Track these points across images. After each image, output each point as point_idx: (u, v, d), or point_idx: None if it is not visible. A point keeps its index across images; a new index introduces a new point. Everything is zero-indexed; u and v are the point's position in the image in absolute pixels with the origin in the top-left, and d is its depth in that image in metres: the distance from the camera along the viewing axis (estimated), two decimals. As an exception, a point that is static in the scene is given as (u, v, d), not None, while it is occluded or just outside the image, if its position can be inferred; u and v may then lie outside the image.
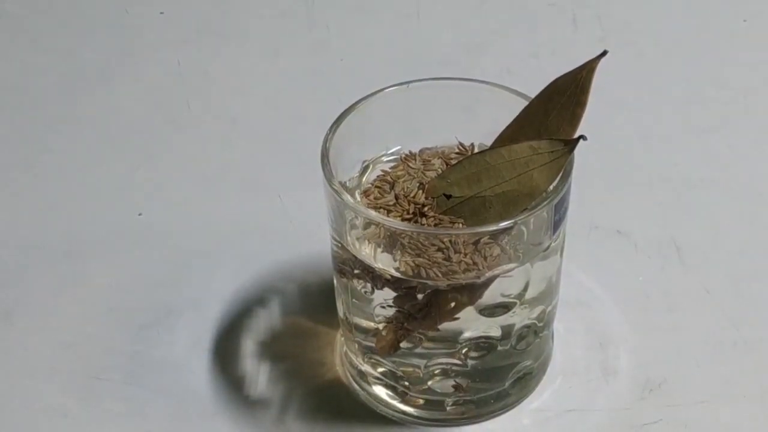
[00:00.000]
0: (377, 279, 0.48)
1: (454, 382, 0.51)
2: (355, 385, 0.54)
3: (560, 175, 0.47)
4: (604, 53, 0.46)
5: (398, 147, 0.52)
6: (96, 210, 0.64)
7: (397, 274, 0.47)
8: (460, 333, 0.49)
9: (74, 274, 0.60)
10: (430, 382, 0.51)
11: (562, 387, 0.54)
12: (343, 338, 0.54)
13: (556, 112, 0.47)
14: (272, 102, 0.71)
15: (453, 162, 0.50)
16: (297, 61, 0.74)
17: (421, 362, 0.51)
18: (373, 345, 0.51)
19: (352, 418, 0.53)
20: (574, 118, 0.47)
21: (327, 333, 0.56)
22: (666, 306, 0.58)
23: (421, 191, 0.49)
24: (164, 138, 0.69)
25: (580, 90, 0.47)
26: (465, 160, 0.48)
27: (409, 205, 0.49)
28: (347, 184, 0.51)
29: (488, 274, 0.47)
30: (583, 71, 0.47)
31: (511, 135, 0.49)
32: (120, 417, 0.53)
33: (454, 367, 0.51)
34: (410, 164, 0.51)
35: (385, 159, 0.52)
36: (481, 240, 0.47)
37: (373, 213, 0.48)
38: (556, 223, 0.48)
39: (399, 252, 0.47)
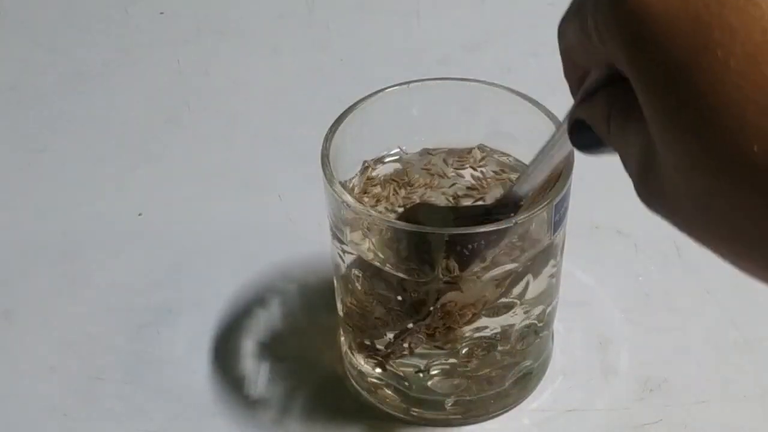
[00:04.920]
0: (377, 278, 0.48)
1: (454, 382, 0.51)
2: (355, 385, 0.54)
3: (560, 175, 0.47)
4: None
5: (397, 149, 0.52)
6: (96, 210, 0.64)
7: (398, 273, 0.47)
8: (461, 333, 0.49)
9: (74, 274, 0.60)
10: (430, 382, 0.51)
11: (562, 387, 0.54)
12: (343, 338, 0.54)
13: None
14: (272, 102, 0.71)
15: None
16: (297, 61, 0.74)
17: (421, 362, 0.51)
18: (373, 344, 0.51)
19: (352, 418, 0.53)
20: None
21: (327, 333, 0.56)
22: (666, 306, 0.58)
23: None
24: (164, 138, 0.69)
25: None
26: None
27: None
28: (347, 184, 0.51)
29: (487, 275, 0.47)
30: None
31: None
32: (120, 417, 0.53)
33: (454, 367, 0.51)
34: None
35: (386, 160, 0.52)
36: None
37: (373, 213, 0.48)
38: (556, 223, 0.48)
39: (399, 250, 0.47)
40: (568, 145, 0.39)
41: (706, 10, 0.28)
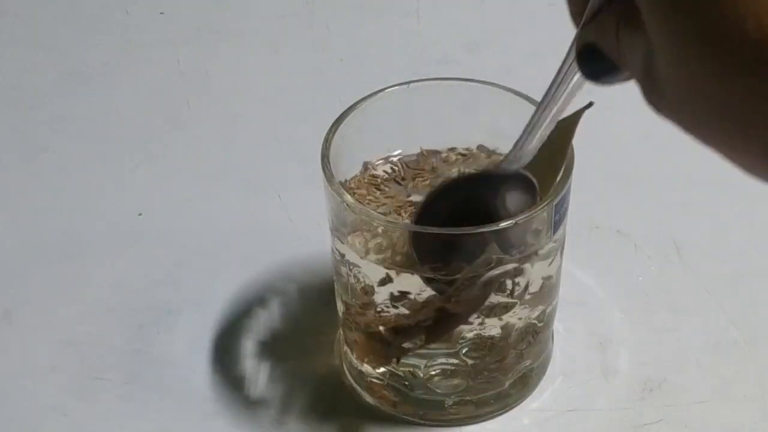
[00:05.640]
0: (377, 278, 0.48)
1: (454, 382, 0.51)
2: (355, 385, 0.54)
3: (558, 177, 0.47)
4: (590, 105, 0.46)
5: (399, 150, 0.52)
6: (96, 210, 0.64)
7: (396, 274, 0.48)
8: (460, 333, 0.49)
9: (74, 274, 0.60)
10: (430, 383, 0.51)
11: (562, 387, 0.54)
12: (343, 338, 0.54)
13: (540, 161, 0.47)
14: (272, 102, 0.71)
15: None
16: (297, 61, 0.74)
17: (421, 362, 0.51)
18: (373, 344, 0.51)
19: (352, 418, 0.53)
20: (556, 169, 0.47)
21: (327, 333, 0.56)
22: (666, 306, 0.58)
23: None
24: (164, 137, 0.69)
25: (563, 139, 0.47)
26: None
27: None
28: (347, 184, 0.51)
29: (487, 275, 0.47)
30: (567, 122, 0.47)
31: None
32: (120, 417, 0.53)
33: (454, 367, 0.51)
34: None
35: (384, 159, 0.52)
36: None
37: (373, 213, 0.48)
38: (556, 223, 0.48)
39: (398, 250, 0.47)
40: (572, 88, 0.38)
41: None
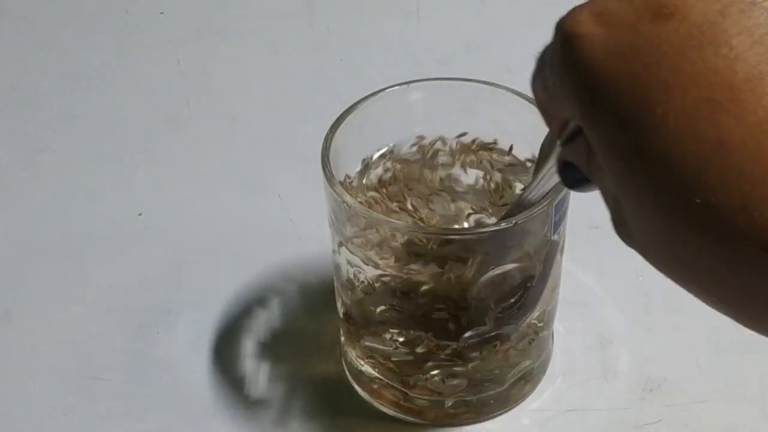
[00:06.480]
0: (377, 278, 0.48)
1: (454, 382, 0.51)
2: (355, 385, 0.54)
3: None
4: None
5: (393, 144, 0.52)
6: (96, 210, 0.64)
7: (396, 273, 0.48)
8: (461, 333, 0.49)
9: (74, 274, 0.60)
10: (429, 383, 0.51)
11: (562, 387, 0.54)
12: (343, 338, 0.54)
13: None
14: (272, 102, 0.71)
15: None
16: (297, 61, 0.74)
17: (421, 362, 0.51)
18: (373, 344, 0.51)
19: (352, 418, 0.53)
20: None
21: (327, 333, 0.56)
22: (666, 306, 0.58)
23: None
24: (164, 137, 0.69)
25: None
26: None
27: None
28: (348, 184, 0.51)
29: (487, 274, 0.47)
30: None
31: None
32: (120, 417, 0.53)
33: (454, 367, 0.51)
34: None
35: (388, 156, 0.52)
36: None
37: (373, 213, 0.48)
38: (556, 223, 0.48)
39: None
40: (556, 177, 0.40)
41: (645, 70, 0.29)
